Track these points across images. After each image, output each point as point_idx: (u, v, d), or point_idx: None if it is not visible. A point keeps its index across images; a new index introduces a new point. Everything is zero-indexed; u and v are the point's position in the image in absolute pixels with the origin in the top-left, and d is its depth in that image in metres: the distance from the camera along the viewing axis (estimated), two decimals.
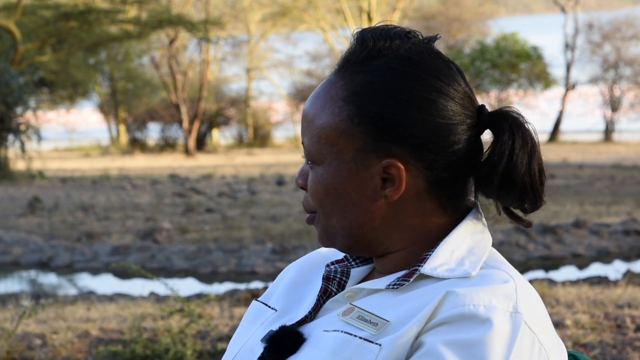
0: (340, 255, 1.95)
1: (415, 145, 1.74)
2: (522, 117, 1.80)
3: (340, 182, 1.77)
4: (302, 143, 1.82)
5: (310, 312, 1.84)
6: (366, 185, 1.76)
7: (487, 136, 1.82)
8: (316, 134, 1.78)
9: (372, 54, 1.77)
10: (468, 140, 1.78)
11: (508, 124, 1.78)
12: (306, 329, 1.79)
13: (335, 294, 1.85)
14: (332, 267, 1.91)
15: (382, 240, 1.80)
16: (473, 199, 1.85)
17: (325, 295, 1.86)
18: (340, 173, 1.77)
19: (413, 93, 1.74)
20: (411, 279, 1.74)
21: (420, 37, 1.80)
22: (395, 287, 1.75)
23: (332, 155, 1.77)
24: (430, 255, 1.76)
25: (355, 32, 1.82)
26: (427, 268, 1.74)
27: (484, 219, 1.84)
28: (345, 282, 1.88)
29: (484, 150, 1.81)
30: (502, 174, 1.76)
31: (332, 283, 1.87)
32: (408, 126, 1.74)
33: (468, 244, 1.78)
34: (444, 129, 1.75)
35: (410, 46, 1.78)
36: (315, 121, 1.79)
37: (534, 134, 1.79)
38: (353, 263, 1.91)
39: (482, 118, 1.80)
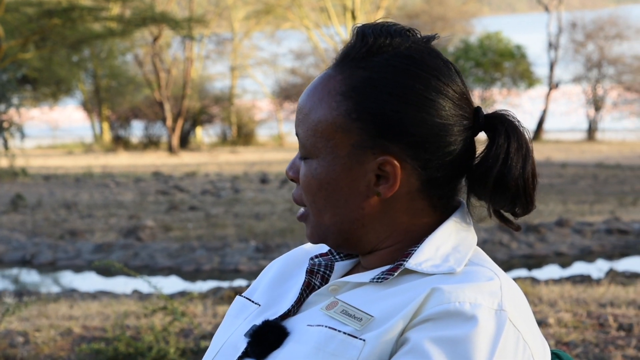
0: (325, 249, 1.95)
1: (412, 144, 1.74)
2: (518, 121, 1.80)
3: (333, 177, 1.76)
4: (297, 135, 1.81)
5: (293, 306, 1.83)
6: (360, 181, 1.76)
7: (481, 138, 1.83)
8: (312, 127, 1.78)
9: (372, 50, 1.77)
10: (463, 141, 1.78)
11: (504, 128, 1.79)
12: (289, 323, 1.79)
13: (319, 287, 1.85)
14: (316, 260, 1.90)
15: (371, 237, 1.80)
16: (460, 198, 1.85)
17: (308, 288, 1.86)
18: (334, 168, 1.76)
19: (413, 91, 1.74)
20: (395, 273, 1.74)
21: (419, 36, 1.81)
22: (380, 280, 1.75)
23: (327, 150, 1.76)
24: (415, 250, 1.76)
25: (355, 27, 1.81)
26: (412, 263, 1.74)
27: (469, 218, 1.84)
28: (329, 275, 1.87)
29: (478, 153, 1.81)
30: (496, 176, 1.76)
31: (316, 277, 1.87)
32: (406, 124, 1.74)
33: (453, 241, 1.78)
34: (441, 129, 1.75)
35: (410, 44, 1.78)
36: (312, 114, 1.78)
37: (528, 139, 1.80)
38: (337, 257, 1.91)
39: (478, 120, 1.80)
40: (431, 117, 1.74)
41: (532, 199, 1.79)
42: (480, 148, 1.82)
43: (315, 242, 1.84)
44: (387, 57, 1.76)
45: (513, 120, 1.80)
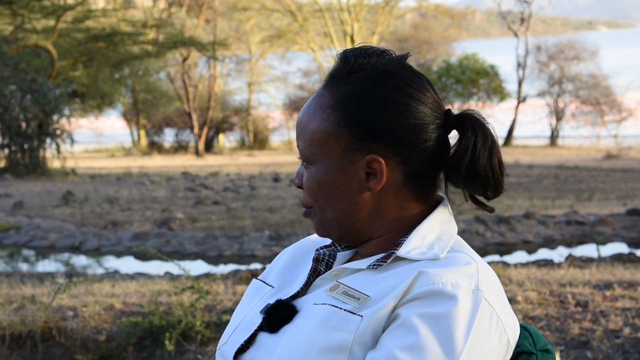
0: (329, 241, 1.96)
1: (394, 143, 1.75)
2: (483, 117, 1.82)
3: (330, 177, 1.78)
4: (298, 147, 1.83)
5: (302, 288, 1.85)
6: (353, 179, 1.77)
7: (452, 138, 1.83)
8: (309, 137, 1.79)
9: (354, 69, 1.79)
10: (437, 138, 1.79)
11: (471, 124, 1.80)
12: (298, 302, 1.80)
13: (324, 273, 1.86)
14: (321, 251, 1.92)
15: (367, 228, 1.81)
16: (442, 194, 1.86)
17: (314, 274, 1.87)
18: (330, 169, 1.78)
19: (390, 98, 1.76)
20: (388, 261, 1.76)
21: (394, 55, 1.82)
22: (375, 267, 1.77)
23: (323, 155, 1.78)
24: (405, 240, 1.78)
25: (338, 52, 1.83)
26: (402, 251, 1.76)
27: (450, 211, 1.85)
28: (332, 263, 1.89)
29: (451, 147, 1.82)
30: (467, 165, 1.78)
31: (321, 264, 1.88)
32: (387, 126, 1.75)
33: (437, 231, 1.79)
34: (417, 128, 1.76)
35: (385, 61, 1.80)
36: (308, 127, 1.80)
37: (493, 132, 1.82)
38: (339, 248, 1.92)
39: (449, 119, 1.81)
40: (407, 119, 1.76)
41: (500, 183, 1.81)
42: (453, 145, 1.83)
43: (321, 235, 1.86)
44: (367, 73, 1.78)
45: (478, 117, 1.82)
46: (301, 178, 1.84)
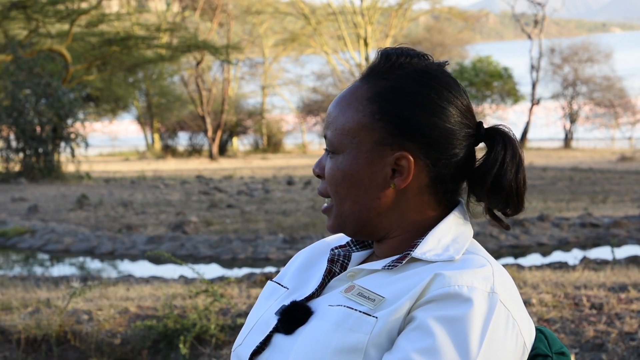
0: (344, 241, 1.97)
1: (425, 143, 1.77)
2: (513, 133, 1.84)
3: (356, 169, 1.78)
4: (325, 136, 1.84)
5: (316, 289, 1.85)
6: (378, 174, 1.78)
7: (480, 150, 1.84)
8: (340, 127, 1.80)
9: (395, 66, 1.81)
10: (467, 147, 1.81)
11: (501, 138, 1.82)
12: (313, 304, 1.81)
13: (339, 274, 1.87)
14: (336, 251, 1.92)
15: (384, 225, 1.81)
16: (459, 198, 1.86)
17: (329, 275, 1.87)
18: (357, 161, 1.78)
19: (428, 99, 1.77)
20: (404, 262, 1.76)
21: (432, 60, 1.84)
22: (390, 268, 1.77)
23: (353, 145, 1.78)
24: (420, 241, 1.78)
25: (379, 49, 1.85)
26: (417, 252, 1.76)
27: (467, 214, 1.86)
28: (347, 264, 1.89)
29: (478, 159, 1.83)
30: (493, 177, 1.79)
31: (336, 265, 1.89)
32: (421, 126, 1.76)
33: (453, 233, 1.80)
34: (449, 132, 1.78)
35: (427, 64, 1.82)
36: (340, 117, 1.81)
37: (521, 150, 1.83)
38: (354, 248, 1.93)
39: (480, 131, 1.83)
40: (442, 122, 1.77)
41: (522, 201, 1.82)
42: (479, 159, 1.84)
43: (334, 231, 1.86)
44: (408, 71, 1.80)
45: (509, 132, 1.83)
46: (322, 168, 1.85)
